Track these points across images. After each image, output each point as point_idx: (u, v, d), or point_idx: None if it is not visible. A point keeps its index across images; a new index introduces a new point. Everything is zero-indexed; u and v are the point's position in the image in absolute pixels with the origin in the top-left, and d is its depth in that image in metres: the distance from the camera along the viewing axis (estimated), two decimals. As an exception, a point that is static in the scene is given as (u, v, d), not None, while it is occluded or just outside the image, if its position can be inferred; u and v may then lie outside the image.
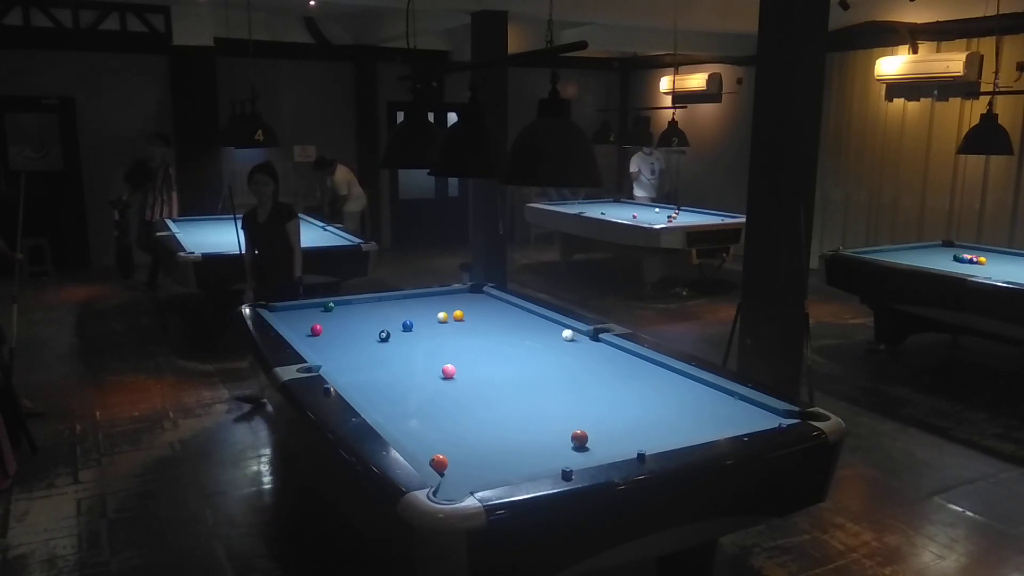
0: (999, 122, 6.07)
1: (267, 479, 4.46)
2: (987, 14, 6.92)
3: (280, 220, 5.60)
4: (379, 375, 3.46)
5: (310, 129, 11.30)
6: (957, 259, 6.51)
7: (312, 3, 9.42)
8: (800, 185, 4.69)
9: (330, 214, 9.98)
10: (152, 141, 8.91)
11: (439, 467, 2.42)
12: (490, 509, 2.13)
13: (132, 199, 8.93)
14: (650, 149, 10.83)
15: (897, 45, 8.98)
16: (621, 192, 12.57)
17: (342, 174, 10.25)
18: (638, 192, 11.14)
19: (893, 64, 8.77)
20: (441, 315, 4.42)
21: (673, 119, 8.91)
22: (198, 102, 10.24)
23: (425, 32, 9.93)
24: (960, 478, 4.48)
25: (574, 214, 9.81)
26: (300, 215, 9.10)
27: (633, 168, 11.13)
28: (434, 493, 2.19)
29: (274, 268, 5.59)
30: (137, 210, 8.92)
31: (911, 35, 8.79)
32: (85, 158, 10.00)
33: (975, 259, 6.48)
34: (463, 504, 2.14)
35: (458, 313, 4.45)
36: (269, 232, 5.58)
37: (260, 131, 7.36)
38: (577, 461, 2.46)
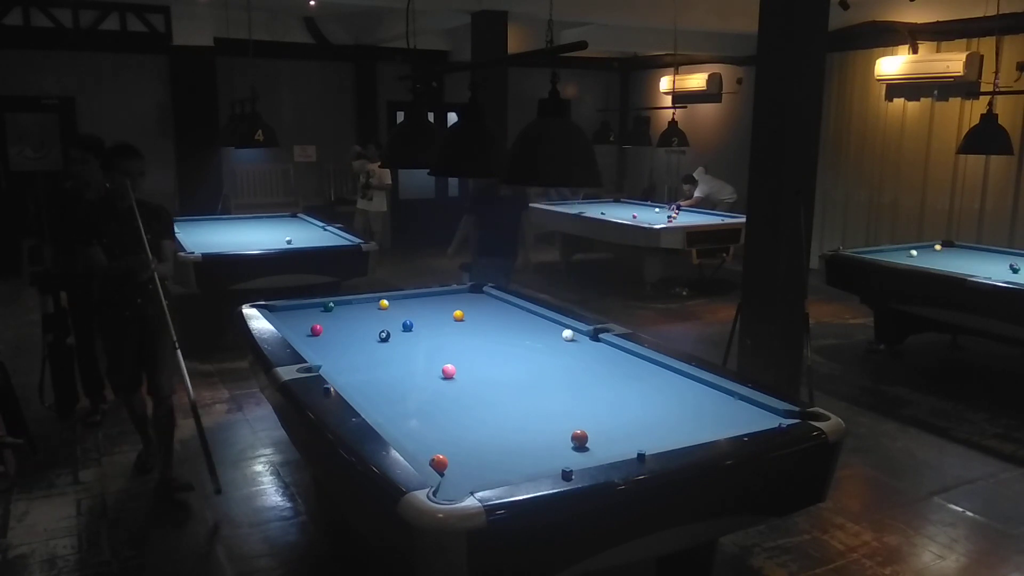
0: (999, 122, 6.07)
1: (267, 479, 4.46)
2: (987, 14, 6.93)
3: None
4: (379, 375, 3.45)
5: (310, 129, 11.30)
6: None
7: (312, 3, 9.43)
8: (800, 185, 4.69)
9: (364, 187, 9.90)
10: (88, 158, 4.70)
11: (439, 467, 2.41)
12: (490, 509, 2.12)
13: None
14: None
15: (897, 45, 8.99)
16: (621, 192, 12.56)
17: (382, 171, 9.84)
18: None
19: (893, 64, 8.77)
20: (457, 313, 4.44)
21: (673, 119, 8.91)
22: (198, 102, 10.23)
23: (425, 32, 9.93)
24: (960, 478, 4.48)
25: (574, 214, 9.81)
26: (300, 214, 9.18)
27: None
28: (434, 493, 2.19)
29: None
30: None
31: (911, 35, 8.80)
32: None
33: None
34: (463, 504, 2.13)
35: (458, 313, 4.46)
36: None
37: (260, 131, 7.38)
38: (577, 461, 2.45)
